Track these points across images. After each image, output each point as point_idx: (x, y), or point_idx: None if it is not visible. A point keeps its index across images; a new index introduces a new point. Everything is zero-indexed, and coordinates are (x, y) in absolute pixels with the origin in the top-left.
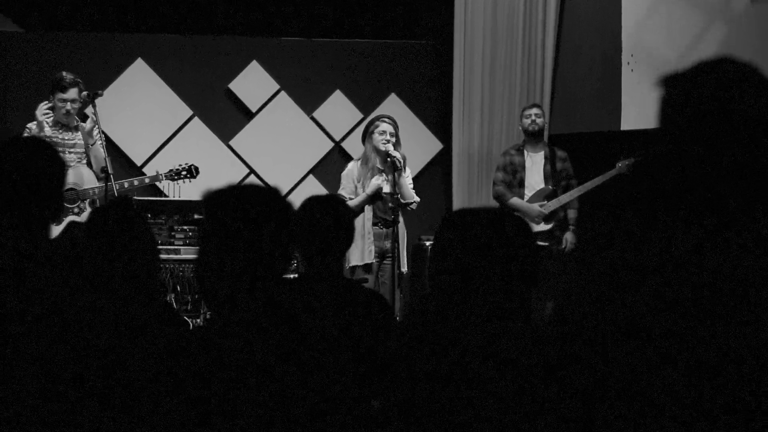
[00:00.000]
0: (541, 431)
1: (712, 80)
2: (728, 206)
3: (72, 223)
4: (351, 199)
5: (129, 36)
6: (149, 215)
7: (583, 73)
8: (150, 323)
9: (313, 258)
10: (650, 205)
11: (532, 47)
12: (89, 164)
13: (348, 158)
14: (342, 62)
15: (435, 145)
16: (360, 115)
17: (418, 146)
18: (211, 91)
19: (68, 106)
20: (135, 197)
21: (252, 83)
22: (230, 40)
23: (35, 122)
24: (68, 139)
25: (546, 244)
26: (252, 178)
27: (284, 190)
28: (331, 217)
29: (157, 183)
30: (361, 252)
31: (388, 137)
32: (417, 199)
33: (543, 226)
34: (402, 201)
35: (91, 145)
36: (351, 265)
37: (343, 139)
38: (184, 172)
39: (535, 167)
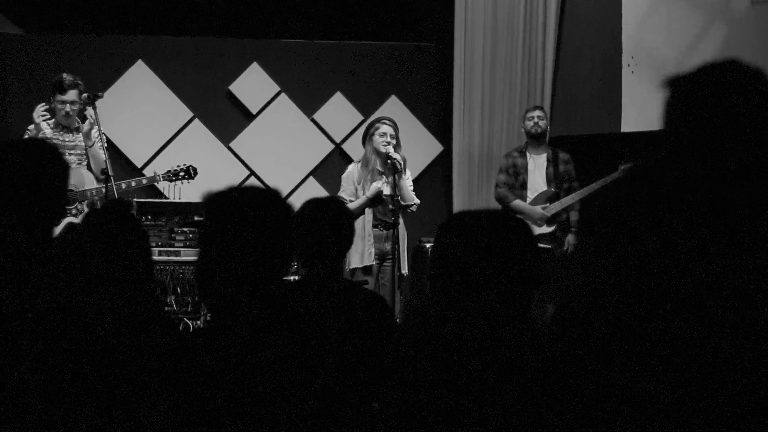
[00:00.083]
0: None
1: (717, 83)
2: (731, 208)
3: (70, 225)
4: (351, 201)
5: (129, 38)
6: (149, 217)
7: (584, 75)
8: (141, 324)
9: (313, 260)
10: (653, 207)
11: (532, 48)
12: (89, 166)
13: (348, 160)
14: (342, 64)
15: (435, 147)
16: (360, 117)
17: (418, 148)
18: (211, 92)
19: (67, 107)
20: (135, 199)
21: (252, 85)
22: (231, 41)
23: (34, 124)
24: (69, 141)
25: (548, 246)
26: (252, 180)
27: (284, 192)
28: (330, 220)
29: (157, 185)
30: (361, 254)
31: (389, 139)
32: (417, 201)
33: (545, 229)
34: (402, 203)
35: (90, 147)
36: (351, 267)
37: (344, 141)
38: (182, 173)
39: (537, 169)
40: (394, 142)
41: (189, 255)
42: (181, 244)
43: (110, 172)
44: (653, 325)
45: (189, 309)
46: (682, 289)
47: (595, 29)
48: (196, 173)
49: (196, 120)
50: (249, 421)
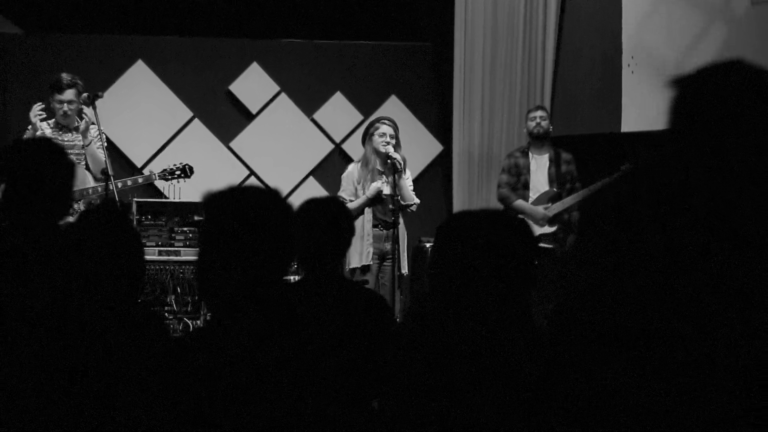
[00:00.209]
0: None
1: (722, 83)
2: (734, 209)
3: (68, 224)
4: (351, 201)
5: (129, 38)
6: (149, 216)
7: (584, 74)
8: (133, 324)
9: (312, 260)
10: (655, 207)
11: (532, 48)
12: (87, 165)
13: (348, 160)
14: (342, 64)
15: (435, 147)
16: (360, 117)
17: (418, 148)
18: (211, 92)
19: (65, 107)
20: (135, 198)
21: (252, 85)
22: (231, 41)
23: (31, 124)
24: (68, 141)
25: (550, 246)
26: (252, 180)
27: (284, 192)
28: (329, 220)
29: (157, 184)
30: (360, 254)
31: (388, 139)
32: (417, 200)
33: (547, 229)
34: (402, 203)
35: (86, 146)
36: (351, 267)
37: (344, 140)
38: (178, 172)
39: (539, 170)
40: (393, 142)
41: (189, 255)
42: (181, 244)
43: (110, 172)
44: (652, 326)
45: (189, 309)
46: (682, 290)
47: (595, 29)
48: (192, 172)
49: (196, 120)
50: (248, 421)
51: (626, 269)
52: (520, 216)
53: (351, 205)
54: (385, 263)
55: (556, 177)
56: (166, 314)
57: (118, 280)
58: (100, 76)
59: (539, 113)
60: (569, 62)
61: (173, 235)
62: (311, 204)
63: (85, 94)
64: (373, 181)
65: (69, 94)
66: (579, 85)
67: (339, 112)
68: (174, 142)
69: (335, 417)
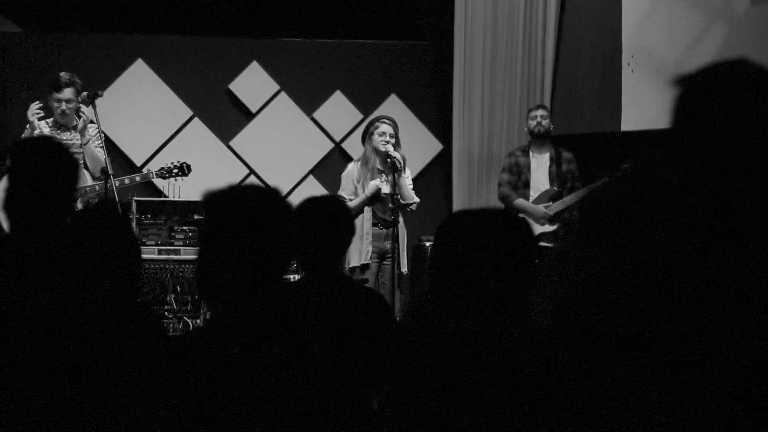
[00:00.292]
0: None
1: (725, 82)
2: (735, 209)
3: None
4: (351, 199)
5: (129, 36)
6: (149, 215)
7: (584, 74)
8: (130, 323)
9: (313, 259)
10: (655, 205)
11: (532, 47)
12: (85, 164)
13: (348, 159)
14: (342, 63)
15: (435, 146)
16: (360, 116)
17: (418, 147)
18: (211, 91)
19: (63, 106)
20: (135, 198)
21: (252, 84)
22: (230, 40)
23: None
24: (67, 140)
25: (550, 245)
26: (252, 179)
27: (284, 191)
28: (329, 218)
29: (156, 184)
30: (359, 253)
31: (388, 138)
32: (417, 199)
33: (547, 227)
34: (402, 202)
35: (84, 145)
36: (350, 266)
37: (343, 139)
38: (175, 170)
39: (540, 168)
40: (393, 141)
41: (189, 254)
42: (181, 243)
43: (110, 171)
44: (651, 326)
45: (189, 308)
46: (682, 289)
47: (595, 28)
48: (189, 170)
49: (196, 119)
50: (248, 420)
51: (626, 268)
52: (521, 215)
53: (350, 204)
54: (384, 262)
55: (556, 176)
56: (166, 313)
57: (117, 280)
58: (99, 75)
59: (540, 112)
60: (569, 61)
61: (173, 234)
62: (311, 203)
63: (84, 93)
64: (372, 180)
65: (67, 92)
66: (579, 84)
67: (339, 111)
68: (174, 141)
69: (335, 416)
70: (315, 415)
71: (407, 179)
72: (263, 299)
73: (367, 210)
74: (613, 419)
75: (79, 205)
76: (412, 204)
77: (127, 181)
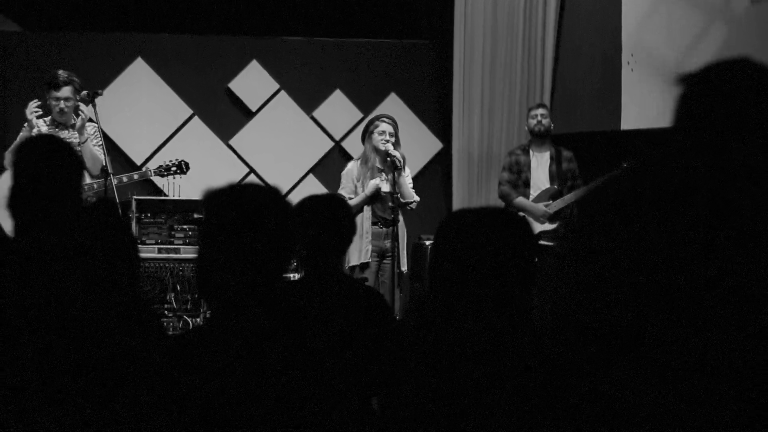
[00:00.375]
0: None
1: (728, 80)
2: (737, 208)
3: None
4: (350, 198)
5: (129, 35)
6: (149, 214)
7: (583, 73)
8: (131, 322)
9: (314, 257)
10: (656, 204)
11: (532, 46)
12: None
13: (348, 158)
14: (342, 62)
15: (435, 145)
16: (360, 115)
17: (418, 146)
18: (211, 90)
19: (61, 104)
20: (135, 196)
21: (252, 83)
22: (230, 39)
23: (27, 121)
24: (64, 138)
25: (551, 244)
26: (252, 178)
27: (284, 190)
28: (331, 216)
29: (156, 183)
30: (359, 251)
31: (388, 137)
32: (417, 198)
33: (547, 226)
34: (402, 200)
35: (82, 143)
36: (350, 264)
37: (343, 138)
38: (173, 168)
39: (540, 167)
40: (393, 139)
41: (189, 252)
42: (181, 242)
43: (110, 170)
44: (652, 327)
45: (189, 307)
46: (683, 288)
47: (594, 28)
48: (188, 168)
49: (196, 117)
50: (248, 419)
51: (626, 267)
52: (521, 213)
53: (350, 203)
54: (384, 261)
55: (557, 174)
56: (166, 312)
57: (116, 279)
58: (99, 74)
59: (540, 111)
60: (569, 60)
61: (173, 232)
62: (312, 201)
63: (84, 92)
64: (372, 178)
65: (65, 91)
66: (579, 84)
67: (338, 109)
68: (173, 139)
69: (335, 415)
70: (315, 413)
71: (407, 178)
72: (263, 298)
73: (367, 209)
74: (613, 419)
75: None
76: (412, 203)
77: (125, 179)
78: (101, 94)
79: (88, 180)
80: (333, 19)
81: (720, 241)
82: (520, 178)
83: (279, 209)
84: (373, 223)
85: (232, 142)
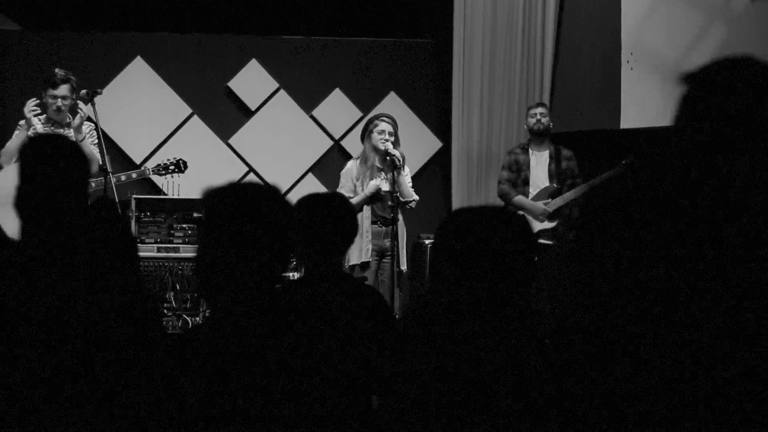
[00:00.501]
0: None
1: (733, 79)
2: (740, 207)
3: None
4: (350, 197)
5: (128, 34)
6: (148, 213)
7: (583, 72)
8: (134, 322)
9: (316, 256)
10: (657, 202)
11: (531, 45)
12: None
13: (347, 156)
14: (341, 61)
15: (434, 144)
16: (359, 114)
17: (417, 145)
18: (210, 89)
19: (59, 102)
20: (134, 195)
21: (251, 82)
22: (230, 38)
23: (25, 119)
24: None
25: (550, 242)
26: (251, 177)
27: (283, 189)
28: (333, 215)
29: (156, 181)
30: (359, 250)
31: (387, 136)
32: (416, 197)
33: (547, 224)
34: (401, 199)
35: (80, 142)
36: (350, 264)
37: (343, 137)
38: (171, 167)
39: (539, 166)
40: (392, 139)
41: (188, 251)
42: (180, 241)
43: (110, 169)
44: (651, 326)
45: (188, 306)
46: (684, 288)
47: (594, 27)
48: (186, 167)
49: (195, 116)
50: (248, 418)
51: (627, 266)
52: (520, 212)
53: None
54: (384, 260)
55: (556, 173)
56: (166, 311)
57: (117, 278)
58: (99, 73)
59: (539, 110)
60: (568, 60)
61: (172, 231)
62: (313, 199)
63: (84, 91)
64: (371, 178)
65: (63, 89)
66: (578, 83)
67: (338, 108)
68: (173, 138)
69: (335, 414)
70: (315, 412)
71: (406, 177)
72: (263, 297)
73: (367, 208)
74: (614, 420)
75: None
76: (411, 202)
77: (123, 178)
78: (101, 93)
79: None
80: (332, 18)
81: (722, 240)
82: (519, 177)
83: (278, 208)
84: (373, 222)
85: (231, 141)
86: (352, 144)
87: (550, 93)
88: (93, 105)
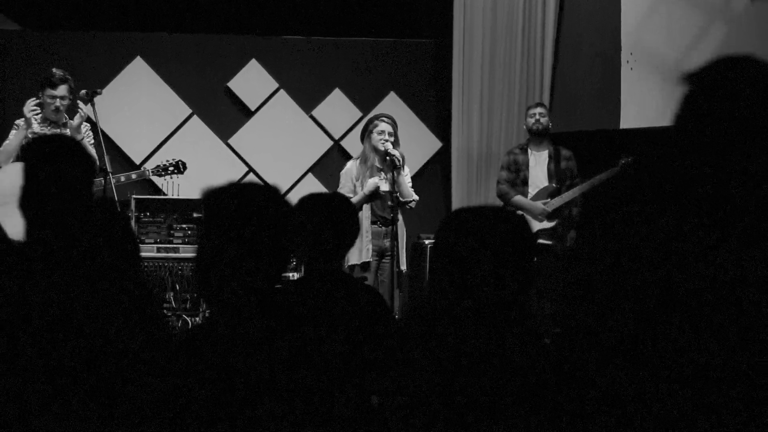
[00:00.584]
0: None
1: (734, 78)
2: (738, 207)
3: None
4: (350, 197)
5: (128, 34)
6: (148, 213)
7: (583, 72)
8: (138, 322)
9: (317, 256)
10: (659, 203)
11: (531, 45)
12: None
13: (347, 157)
14: (341, 61)
15: (434, 144)
16: (359, 114)
17: (417, 145)
18: (210, 89)
19: (57, 102)
20: (134, 195)
21: (251, 82)
22: (229, 38)
23: (23, 119)
24: None
25: (549, 242)
26: (251, 177)
27: (283, 189)
28: (330, 215)
29: (156, 182)
30: (359, 251)
31: (387, 137)
32: (416, 197)
33: (546, 224)
34: (401, 199)
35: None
36: (350, 264)
37: (342, 137)
38: (171, 168)
39: (539, 166)
40: (392, 139)
41: (188, 252)
42: (180, 241)
43: (110, 169)
44: (653, 325)
45: (188, 306)
46: (685, 288)
47: (594, 27)
48: (185, 168)
49: (195, 117)
50: (248, 418)
51: (628, 265)
52: (519, 212)
53: None
54: (384, 260)
55: (555, 173)
56: (166, 311)
57: (121, 278)
58: (98, 73)
59: (538, 110)
60: (568, 60)
61: (172, 232)
62: (313, 200)
63: (83, 91)
64: (371, 178)
65: (62, 89)
66: (578, 83)
67: (338, 108)
68: (173, 139)
69: (334, 413)
70: (314, 411)
71: (406, 177)
72: (262, 297)
73: (366, 208)
74: (615, 421)
75: None
76: (411, 202)
77: (122, 179)
78: (100, 93)
79: None
80: (332, 19)
81: (723, 240)
82: (518, 177)
83: (278, 208)
84: (373, 222)
85: (231, 141)
86: (352, 144)
87: (550, 93)
88: (93, 105)
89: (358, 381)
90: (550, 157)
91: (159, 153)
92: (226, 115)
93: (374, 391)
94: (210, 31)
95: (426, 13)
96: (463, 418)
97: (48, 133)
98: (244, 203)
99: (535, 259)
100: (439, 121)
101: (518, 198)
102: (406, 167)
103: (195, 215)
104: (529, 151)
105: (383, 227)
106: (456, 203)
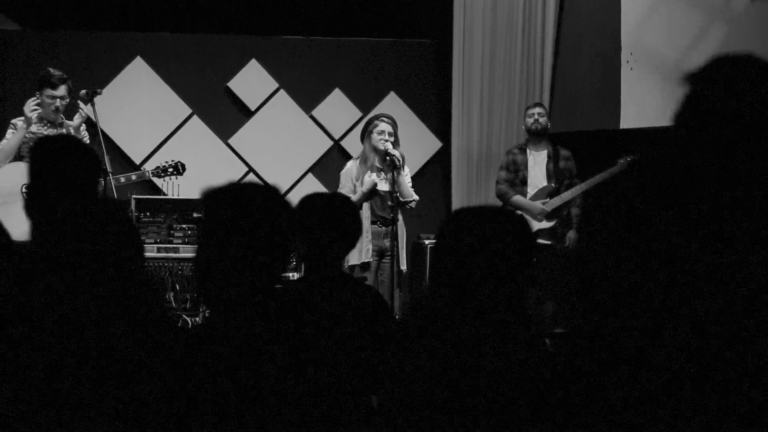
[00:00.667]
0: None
1: (735, 77)
2: (738, 207)
3: None
4: (349, 197)
5: (128, 34)
6: (148, 213)
7: (583, 72)
8: (142, 322)
9: (318, 256)
10: (659, 203)
11: (531, 45)
12: None
13: (347, 157)
14: (341, 61)
15: (434, 144)
16: (359, 114)
17: (417, 145)
18: (210, 89)
19: (57, 102)
20: (134, 195)
21: (251, 82)
22: (229, 38)
23: (22, 118)
24: None
25: (549, 242)
26: (251, 177)
27: (283, 189)
28: (330, 215)
29: (155, 182)
30: (359, 251)
31: (387, 137)
32: (416, 197)
33: (545, 224)
34: (401, 199)
35: None
36: (350, 264)
37: (342, 137)
38: (170, 169)
39: (537, 166)
40: (392, 139)
41: (188, 252)
42: (180, 241)
43: (110, 169)
44: (654, 326)
45: (188, 306)
46: (685, 287)
47: (594, 27)
48: (184, 169)
49: (195, 117)
50: (248, 418)
51: (628, 265)
52: (519, 212)
53: None
54: (384, 260)
55: (554, 173)
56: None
57: (125, 279)
58: (98, 73)
59: (537, 110)
60: (568, 60)
61: (172, 232)
62: (314, 200)
63: (83, 91)
64: (369, 176)
65: (62, 89)
66: (578, 83)
67: (338, 108)
68: (173, 139)
69: (335, 413)
70: (315, 412)
71: (406, 177)
72: (262, 297)
73: (366, 208)
74: (615, 421)
75: None
76: (411, 202)
77: (122, 180)
78: (100, 93)
79: None
80: (332, 19)
81: (725, 240)
82: (517, 177)
83: (278, 208)
84: (373, 222)
85: (231, 141)
86: (352, 144)
87: (550, 93)
88: (93, 105)
89: (358, 381)
90: (549, 157)
91: (159, 153)
92: (226, 115)
93: (374, 391)
94: (210, 31)
95: (426, 13)
96: (463, 418)
97: (46, 133)
98: (244, 203)
99: (535, 259)
100: (439, 121)
101: (517, 198)
102: (406, 167)
103: (195, 215)
104: (528, 151)
105: (383, 227)
106: (456, 203)
